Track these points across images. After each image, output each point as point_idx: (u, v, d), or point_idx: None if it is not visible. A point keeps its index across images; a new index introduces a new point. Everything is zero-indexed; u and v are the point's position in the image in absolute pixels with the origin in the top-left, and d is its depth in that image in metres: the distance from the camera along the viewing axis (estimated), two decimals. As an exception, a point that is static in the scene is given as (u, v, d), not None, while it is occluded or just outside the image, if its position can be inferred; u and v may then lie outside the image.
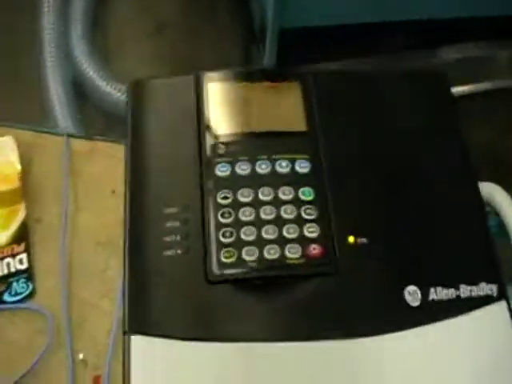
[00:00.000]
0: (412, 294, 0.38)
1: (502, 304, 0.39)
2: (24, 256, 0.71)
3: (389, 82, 0.45)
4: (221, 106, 0.43)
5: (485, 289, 0.39)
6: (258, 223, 0.40)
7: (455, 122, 0.44)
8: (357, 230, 0.40)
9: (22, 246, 0.72)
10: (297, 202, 0.40)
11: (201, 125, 0.42)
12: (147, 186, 0.42)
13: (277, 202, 0.40)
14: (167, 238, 0.39)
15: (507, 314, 0.38)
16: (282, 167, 0.42)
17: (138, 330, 0.38)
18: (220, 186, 0.41)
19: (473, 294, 0.39)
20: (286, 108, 0.43)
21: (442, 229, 0.41)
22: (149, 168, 0.42)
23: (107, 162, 0.76)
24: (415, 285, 0.39)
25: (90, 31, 1.67)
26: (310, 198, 0.41)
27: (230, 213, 0.40)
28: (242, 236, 0.39)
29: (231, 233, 0.40)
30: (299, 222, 0.40)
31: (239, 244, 0.39)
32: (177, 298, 0.38)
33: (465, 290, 0.39)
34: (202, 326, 0.37)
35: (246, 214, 0.40)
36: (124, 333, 0.38)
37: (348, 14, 1.37)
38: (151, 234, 0.40)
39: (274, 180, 0.41)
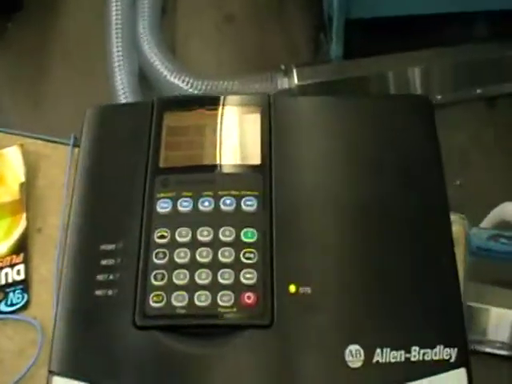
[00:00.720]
0: (354, 354, 0.35)
1: (461, 372, 0.34)
2: (22, 267, 0.72)
3: (362, 110, 0.41)
4: (172, 135, 0.41)
5: (442, 353, 0.35)
6: (192, 266, 0.37)
7: (433, 158, 0.39)
8: (300, 279, 0.36)
9: (21, 257, 0.72)
10: (237, 244, 0.38)
11: (148, 156, 0.40)
12: (89, 217, 0.40)
13: (215, 244, 0.38)
14: (100, 277, 0.38)
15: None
16: (227, 205, 0.39)
17: (61, 371, 0.36)
18: (159, 224, 0.39)
19: (426, 358, 0.34)
20: (242, 138, 0.41)
21: (396, 279, 0.37)
22: (93, 199, 0.40)
23: None
24: (358, 343, 0.35)
25: (158, 23, 1.67)
26: (252, 240, 0.38)
27: (164, 253, 0.38)
28: (174, 279, 0.37)
29: (163, 275, 0.37)
30: (236, 266, 0.37)
31: (170, 288, 0.37)
32: (103, 342, 0.36)
33: (416, 353, 0.34)
34: (126, 374, 0.35)
35: (180, 256, 0.38)
36: (49, 372, 0.37)
37: (418, 4, 1.31)
38: (85, 271, 0.38)
39: (216, 219, 0.38)
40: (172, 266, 0.37)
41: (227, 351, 0.35)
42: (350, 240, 0.38)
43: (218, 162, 0.41)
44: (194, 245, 0.38)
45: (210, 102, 0.43)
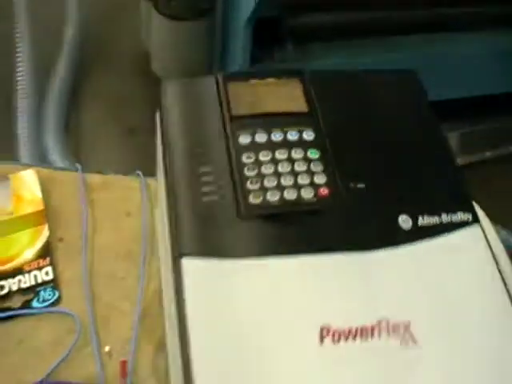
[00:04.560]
0: (405, 221, 0.50)
1: (477, 226, 0.50)
2: (49, 269, 0.80)
3: (371, 79, 0.58)
4: (239, 98, 0.56)
5: (462, 216, 0.51)
6: (278, 175, 0.51)
7: (425, 106, 0.57)
8: (355, 178, 0.52)
9: (47, 261, 0.80)
10: (306, 159, 0.52)
11: (223, 111, 0.54)
12: (184, 155, 0.53)
13: (290, 159, 0.52)
14: (205, 189, 0.50)
15: (481, 233, 0.50)
16: (292, 135, 0.54)
17: (189, 252, 0.47)
18: (244, 151, 0.52)
19: (453, 219, 0.50)
20: (291, 96, 0.56)
21: (426, 172, 0.53)
22: (184, 146, 0.54)
23: (119, 191, 0.86)
24: (407, 214, 0.50)
25: (63, 136, 1.80)
26: (317, 157, 0.53)
27: (253, 168, 0.52)
28: (266, 184, 0.51)
29: (256, 181, 0.51)
30: (310, 173, 0.51)
31: (263, 190, 0.50)
32: (216, 230, 0.48)
33: (445, 217, 0.50)
34: (238, 247, 0.47)
35: (267, 168, 0.51)
36: (175, 258, 0.47)
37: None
38: (192, 187, 0.50)
39: (287, 145, 0.53)
40: (262, 176, 0.52)
41: (312, 229, 0.49)
42: (384, 152, 0.54)
43: (277, 111, 0.55)
44: (274, 162, 0.52)
45: (261, 74, 0.58)
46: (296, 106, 0.57)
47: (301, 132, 0.55)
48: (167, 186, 0.53)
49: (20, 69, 1.92)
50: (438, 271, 0.49)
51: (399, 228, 0.51)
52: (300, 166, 0.53)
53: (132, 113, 2.02)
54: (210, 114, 0.57)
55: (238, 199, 0.51)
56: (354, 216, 0.51)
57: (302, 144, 0.55)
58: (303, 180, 0.52)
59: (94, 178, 0.87)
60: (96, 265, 0.81)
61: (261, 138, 0.55)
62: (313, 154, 0.54)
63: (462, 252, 0.50)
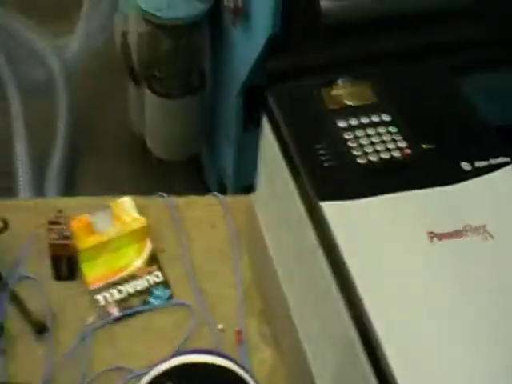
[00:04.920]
0: (466, 166, 0.73)
1: None
2: (159, 273, 0.98)
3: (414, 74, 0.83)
4: (330, 96, 0.78)
5: (503, 159, 0.73)
6: (372, 143, 0.73)
7: (458, 91, 0.81)
8: (426, 142, 0.74)
9: (156, 267, 0.99)
10: (389, 132, 0.75)
11: (321, 106, 0.77)
12: (299, 139, 0.74)
13: (379, 133, 0.74)
14: (323, 158, 0.71)
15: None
16: (375, 117, 0.76)
17: (323, 198, 0.68)
18: (344, 131, 0.74)
19: (498, 161, 0.73)
20: (363, 93, 0.79)
21: (473, 133, 0.77)
22: (298, 133, 0.75)
23: (201, 209, 1.07)
24: (466, 161, 0.73)
25: None
26: (396, 131, 0.75)
27: (354, 142, 0.73)
28: (366, 149, 0.72)
29: (358, 149, 0.72)
30: (394, 140, 0.74)
31: (365, 153, 0.72)
32: (338, 182, 0.69)
33: (492, 161, 0.73)
34: (357, 192, 0.68)
35: (364, 140, 0.73)
36: (313, 205, 0.68)
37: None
38: (313, 158, 0.72)
39: (373, 125, 0.75)
40: (361, 146, 0.73)
41: (403, 174, 0.71)
42: (441, 123, 0.77)
43: (359, 104, 0.78)
44: (368, 136, 0.74)
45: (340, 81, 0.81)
46: (369, 99, 0.80)
47: (380, 115, 0.78)
48: (290, 164, 0.74)
49: (18, 160, 2.10)
50: (495, 192, 0.72)
51: (463, 170, 0.73)
52: (387, 137, 0.76)
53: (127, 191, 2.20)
54: (310, 110, 0.79)
55: (349, 162, 0.73)
56: (430, 165, 0.74)
57: (383, 123, 0.77)
58: (391, 145, 0.75)
59: (179, 201, 1.06)
60: (196, 266, 0.99)
61: (353, 121, 0.77)
62: (393, 128, 0.77)
63: (508, 180, 0.73)
